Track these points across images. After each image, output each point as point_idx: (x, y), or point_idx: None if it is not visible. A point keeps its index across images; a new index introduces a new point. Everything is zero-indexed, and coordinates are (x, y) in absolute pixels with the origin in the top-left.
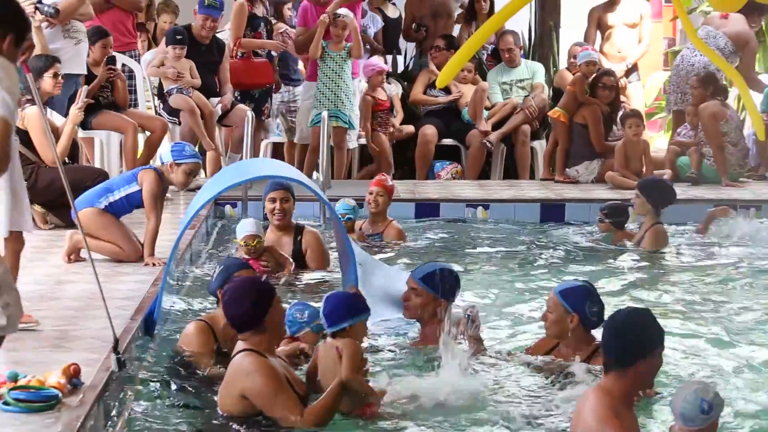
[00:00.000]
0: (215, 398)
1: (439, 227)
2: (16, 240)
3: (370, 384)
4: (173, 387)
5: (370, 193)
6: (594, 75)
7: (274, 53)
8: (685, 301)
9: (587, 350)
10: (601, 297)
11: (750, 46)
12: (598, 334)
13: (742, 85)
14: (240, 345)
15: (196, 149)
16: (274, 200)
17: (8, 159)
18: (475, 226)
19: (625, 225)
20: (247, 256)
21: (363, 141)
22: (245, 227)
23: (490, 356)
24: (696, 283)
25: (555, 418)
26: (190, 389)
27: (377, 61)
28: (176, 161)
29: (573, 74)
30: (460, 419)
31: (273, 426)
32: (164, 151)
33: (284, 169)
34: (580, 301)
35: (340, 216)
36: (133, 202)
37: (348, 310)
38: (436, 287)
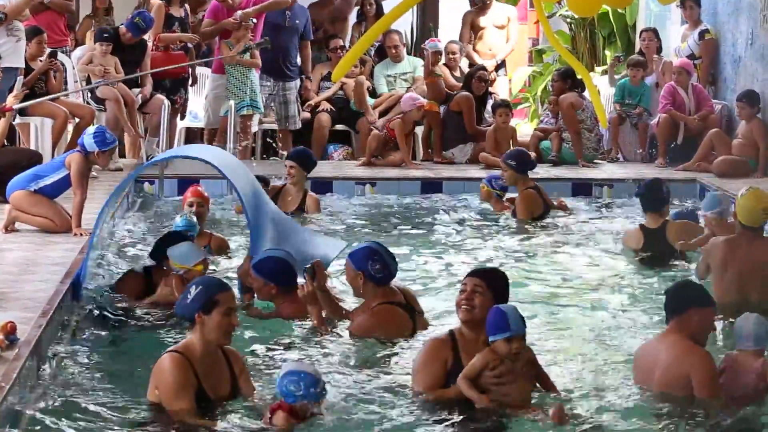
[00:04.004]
0: None
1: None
2: None
3: None
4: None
5: (190, 205)
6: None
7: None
8: None
9: (379, 302)
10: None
11: None
12: None
13: (588, 79)
14: None
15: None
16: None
17: None
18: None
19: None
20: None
21: (265, 126)
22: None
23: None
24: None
25: None
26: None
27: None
28: (101, 150)
29: (449, 68)
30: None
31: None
32: (87, 138)
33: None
34: (363, 260)
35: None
36: (61, 188)
37: (491, 324)
38: (267, 275)
